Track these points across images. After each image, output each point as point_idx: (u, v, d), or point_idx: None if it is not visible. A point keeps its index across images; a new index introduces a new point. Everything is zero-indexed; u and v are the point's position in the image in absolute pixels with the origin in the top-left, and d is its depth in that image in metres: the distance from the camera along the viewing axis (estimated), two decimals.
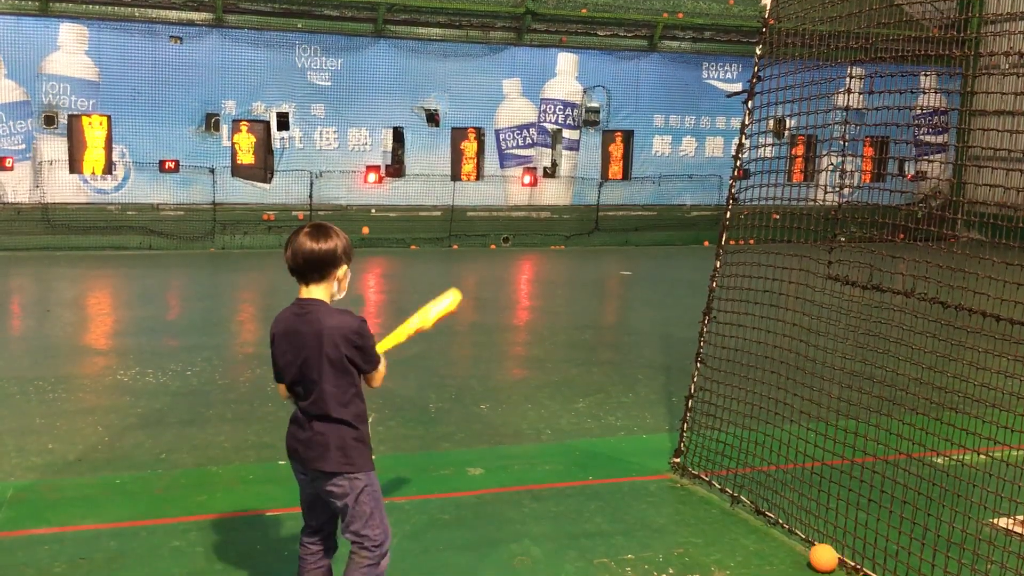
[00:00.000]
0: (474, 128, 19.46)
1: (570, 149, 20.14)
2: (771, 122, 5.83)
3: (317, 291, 3.50)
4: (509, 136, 19.66)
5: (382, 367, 3.54)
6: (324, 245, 3.45)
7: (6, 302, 12.22)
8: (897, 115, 5.19)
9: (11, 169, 16.74)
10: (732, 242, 5.85)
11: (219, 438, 6.44)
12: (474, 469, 5.94)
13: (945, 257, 4.62)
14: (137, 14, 17.14)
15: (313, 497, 3.63)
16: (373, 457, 3.56)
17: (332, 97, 18.32)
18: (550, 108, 19.88)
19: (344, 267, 3.51)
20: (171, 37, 17.30)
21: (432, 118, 19.02)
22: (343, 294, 3.58)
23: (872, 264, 4.89)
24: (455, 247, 19.23)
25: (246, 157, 18.13)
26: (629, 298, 14.19)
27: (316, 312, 3.44)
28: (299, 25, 17.98)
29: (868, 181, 17.54)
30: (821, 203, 5.70)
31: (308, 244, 3.45)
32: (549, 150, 20.03)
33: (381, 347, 3.60)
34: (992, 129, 4.46)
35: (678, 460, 5.91)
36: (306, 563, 3.68)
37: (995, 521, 4.63)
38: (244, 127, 18.01)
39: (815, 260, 5.34)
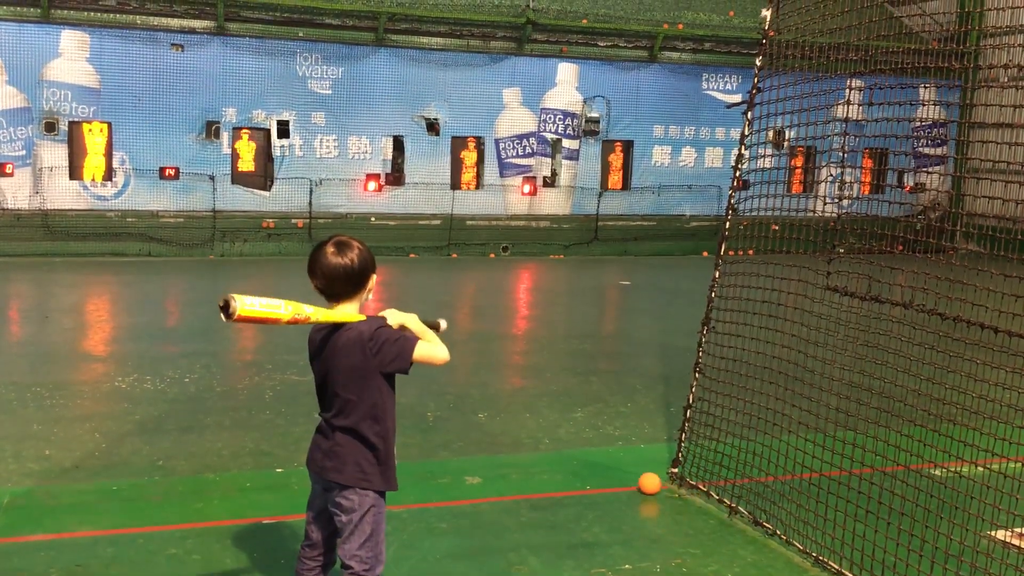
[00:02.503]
0: (474, 137, 19.50)
1: (570, 159, 20.18)
2: (771, 133, 5.85)
3: (348, 307, 3.40)
4: (509, 145, 19.70)
5: (425, 348, 3.34)
6: (353, 261, 3.34)
7: (5, 308, 12.21)
8: (896, 127, 5.20)
9: (11, 175, 16.76)
10: (731, 252, 5.86)
11: (217, 445, 6.43)
12: (472, 478, 5.93)
13: (944, 269, 4.62)
14: (139, 21, 17.18)
15: (321, 508, 3.58)
16: (392, 482, 3.47)
17: (332, 105, 18.36)
18: (550, 118, 19.92)
19: (373, 277, 3.43)
20: (172, 45, 17.34)
21: (432, 127, 19.06)
22: (371, 295, 3.50)
23: (871, 275, 4.89)
24: (454, 256, 19.24)
25: (247, 165, 18.16)
26: (628, 308, 14.19)
27: (348, 325, 3.36)
28: (300, 34, 18.03)
29: (867, 193, 17.57)
30: (820, 214, 5.71)
31: (337, 261, 3.32)
32: (549, 160, 20.06)
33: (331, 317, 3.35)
34: (991, 141, 4.47)
35: (676, 470, 5.90)
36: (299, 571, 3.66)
37: (993, 533, 4.62)
38: (245, 134, 18.05)
39: (814, 271, 5.35)
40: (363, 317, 3.39)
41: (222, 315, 3.04)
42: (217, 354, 9.33)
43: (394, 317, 3.43)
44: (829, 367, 5.15)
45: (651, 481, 5.76)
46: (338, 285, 3.35)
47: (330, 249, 3.35)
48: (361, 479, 3.40)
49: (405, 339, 3.34)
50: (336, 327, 3.37)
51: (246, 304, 3.05)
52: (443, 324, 3.57)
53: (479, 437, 6.83)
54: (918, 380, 4.60)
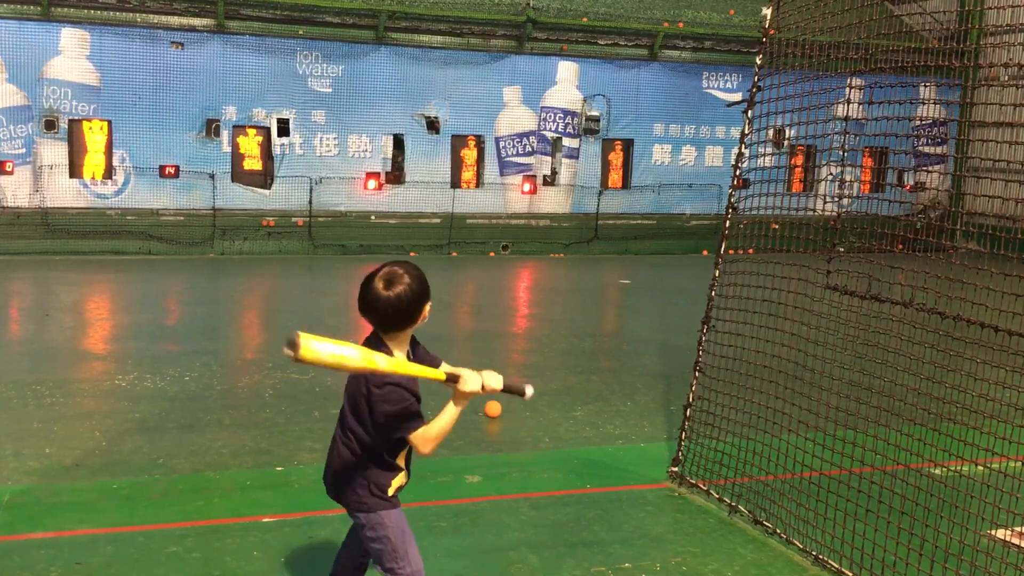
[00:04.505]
0: (474, 136, 19.49)
1: (570, 157, 20.17)
2: (771, 132, 5.85)
3: (397, 338, 3.31)
4: (509, 144, 19.69)
5: (419, 437, 3.34)
6: (400, 295, 3.19)
7: (5, 306, 12.21)
8: (896, 126, 5.20)
9: (11, 173, 16.75)
10: (731, 251, 5.86)
11: (217, 444, 6.43)
12: (472, 476, 5.93)
13: (944, 268, 4.62)
14: (139, 19, 17.17)
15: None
16: (395, 499, 3.46)
17: (333, 103, 18.35)
18: (550, 116, 19.91)
19: (427, 307, 3.31)
20: (172, 43, 17.33)
21: (432, 125, 19.05)
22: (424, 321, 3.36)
23: (871, 274, 4.89)
24: (454, 254, 19.23)
25: (253, 163, 18.14)
26: (628, 306, 14.18)
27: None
28: (300, 32, 18.02)
29: (867, 191, 17.56)
30: (820, 213, 5.71)
31: (385, 296, 3.19)
32: (549, 158, 20.06)
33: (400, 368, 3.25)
34: (991, 140, 4.47)
35: (676, 469, 5.91)
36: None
37: (993, 532, 4.62)
38: (251, 132, 18.03)
39: (814, 270, 5.35)
40: (440, 376, 3.28)
41: (289, 352, 2.90)
42: (217, 352, 9.33)
43: (469, 382, 3.29)
44: (829, 366, 5.15)
45: (494, 407, 7.25)
46: (388, 320, 3.24)
47: (379, 284, 3.21)
48: (358, 502, 3.38)
49: (408, 423, 3.28)
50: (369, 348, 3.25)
51: (311, 346, 2.91)
52: (529, 391, 3.40)
53: (479, 436, 6.83)
54: (918, 379, 4.60)
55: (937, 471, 4.56)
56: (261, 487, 5.66)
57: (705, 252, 20.10)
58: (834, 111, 5.45)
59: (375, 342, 3.30)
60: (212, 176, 17.77)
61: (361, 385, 3.26)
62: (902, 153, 5.87)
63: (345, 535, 3.77)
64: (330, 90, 18.31)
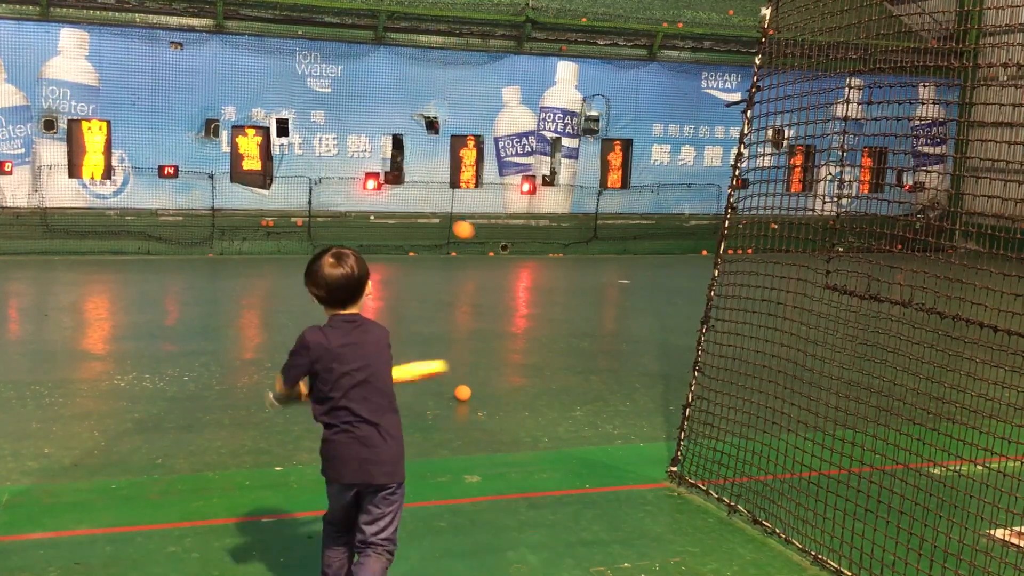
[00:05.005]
0: (473, 136, 19.50)
1: (569, 157, 20.17)
2: (770, 132, 5.85)
3: (353, 309, 3.67)
4: (508, 144, 19.69)
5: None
6: (353, 269, 3.57)
7: (4, 306, 12.21)
8: (895, 126, 5.20)
9: (10, 173, 16.75)
10: (731, 251, 5.86)
11: (216, 443, 6.43)
12: (471, 476, 5.93)
13: (943, 268, 4.62)
14: (138, 19, 17.18)
15: (348, 510, 3.74)
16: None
17: (332, 104, 18.35)
18: (549, 116, 19.92)
19: (369, 283, 3.69)
20: (171, 43, 17.33)
21: (431, 125, 19.05)
22: (369, 298, 3.76)
23: (870, 274, 4.89)
24: (453, 254, 19.23)
25: (252, 163, 18.13)
26: (627, 306, 14.19)
27: (367, 323, 3.65)
28: (299, 32, 18.02)
29: (866, 191, 17.57)
30: (819, 213, 5.71)
31: (337, 271, 3.56)
32: (548, 158, 20.06)
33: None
34: (990, 140, 4.47)
35: (675, 469, 5.91)
36: (332, 568, 3.81)
37: (992, 532, 4.62)
38: (250, 132, 18.02)
39: (813, 270, 5.35)
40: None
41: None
42: (216, 352, 9.33)
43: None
44: (828, 366, 5.16)
45: (463, 392, 7.55)
46: (340, 293, 3.58)
47: (329, 260, 3.56)
48: (402, 472, 3.66)
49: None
50: (355, 330, 3.61)
51: None
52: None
53: (478, 436, 6.83)
54: (917, 379, 4.60)
55: (936, 471, 4.56)
56: (260, 487, 5.66)
57: (704, 252, 20.10)
58: (833, 111, 5.45)
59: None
60: (211, 176, 17.77)
61: (382, 360, 3.62)
62: (901, 153, 5.87)
63: (324, 542, 3.86)
64: (329, 90, 18.31)
